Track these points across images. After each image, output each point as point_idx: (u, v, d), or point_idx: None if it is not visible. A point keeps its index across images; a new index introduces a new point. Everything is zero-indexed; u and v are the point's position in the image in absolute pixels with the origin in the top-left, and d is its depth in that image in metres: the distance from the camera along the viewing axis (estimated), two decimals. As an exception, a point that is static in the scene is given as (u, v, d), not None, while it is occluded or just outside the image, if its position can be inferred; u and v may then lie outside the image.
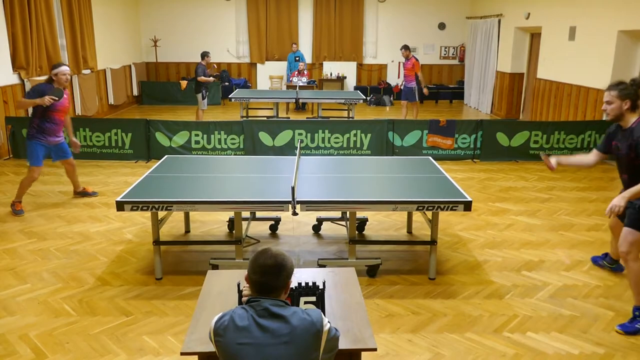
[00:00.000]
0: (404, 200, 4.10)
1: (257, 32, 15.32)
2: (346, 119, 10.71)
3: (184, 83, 13.95)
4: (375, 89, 15.31)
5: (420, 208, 4.09)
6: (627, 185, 3.76)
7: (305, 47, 15.49)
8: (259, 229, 5.49)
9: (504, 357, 3.41)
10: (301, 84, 12.82)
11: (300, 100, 11.07)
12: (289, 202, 4.01)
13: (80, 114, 10.73)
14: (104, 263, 4.70)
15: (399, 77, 11.10)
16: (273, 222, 5.47)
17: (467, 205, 4.08)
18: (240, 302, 2.44)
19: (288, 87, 13.31)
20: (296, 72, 13.33)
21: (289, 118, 11.57)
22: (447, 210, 4.08)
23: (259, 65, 15.60)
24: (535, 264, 4.77)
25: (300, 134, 8.43)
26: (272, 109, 11.71)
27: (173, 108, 13.74)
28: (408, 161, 5.49)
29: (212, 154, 8.31)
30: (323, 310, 2.46)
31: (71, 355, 3.37)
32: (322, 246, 5.13)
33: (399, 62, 15.43)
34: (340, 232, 5.43)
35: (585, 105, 9.33)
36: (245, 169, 5.07)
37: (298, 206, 4.00)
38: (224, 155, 8.32)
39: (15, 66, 8.71)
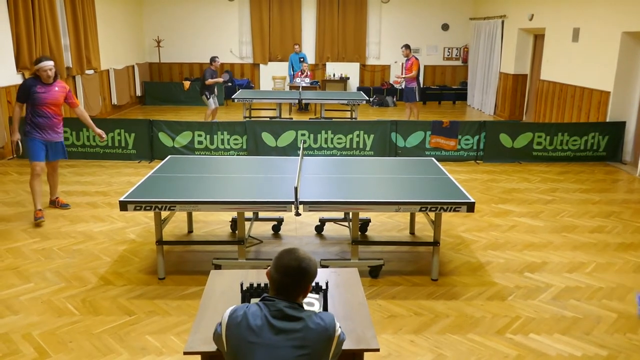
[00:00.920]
0: (407, 202, 4.10)
1: (260, 33, 15.34)
2: (349, 119, 10.71)
3: (187, 83, 13.99)
4: (378, 89, 15.31)
5: (423, 209, 4.09)
6: None
7: (309, 47, 15.50)
8: (262, 229, 5.49)
9: (507, 358, 3.40)
10: (304, 85, 12.82)
11: (303, 101, 11.09)
12: (291, 203, 4.01)
13: (83, 114, 10.75)
14: (107, 263, 4.71)
15: (401, 74, 11.06)
16: (276, 223, 5.47)
17: (470, 207, 4.08)
18: (243, 301, 2.44)
19: (291, 87, 13.32)
20: (299, 73, 13.33)
21: (291, 119, 11.58)
22: (450, 211, 4.07)
23: (261, 66, 15.61)
24: (538, 265, 4.76)
25: (303, 135, 8.43)
26: (275, 109, 11.72)
27: (176, 108, 13.76)
28: (411, 162, 5.49)
29: (215, 155, 8.32)
30: (326, 311, 2.46)
31: (74, 354, 3.37)
32: (324, 247, 5.13)
33: (402, 63, 15.44)
34: (342, 233, 5.43)
35: (588, 107, 9.31)
36: (248, 170, 5.07)
37: (301, 207, 4.01)
38: (227, 155, 8.32)
39: (19, 66, 8.74)
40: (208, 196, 4.16)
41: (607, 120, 8.74)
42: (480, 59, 14.05)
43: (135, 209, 4.04)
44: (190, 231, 5.45)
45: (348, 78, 15.38)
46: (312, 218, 5.65)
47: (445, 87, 15.60)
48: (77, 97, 10.62)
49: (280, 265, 2.07)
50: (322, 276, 2.94)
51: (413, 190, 4.46)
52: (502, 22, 12.83)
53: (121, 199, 4.06)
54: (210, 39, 15.30)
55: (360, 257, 4.53)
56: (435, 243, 4.38)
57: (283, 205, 4.04)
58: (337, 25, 15.42)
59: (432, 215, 4.59)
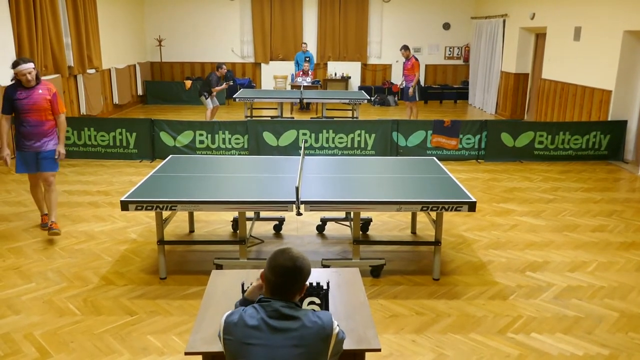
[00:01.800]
0: (408, 201, 4.10)
1: (262, 32, 15.33)
2: (350, 119, 10.70)
3: (188, 83, 13.99)
4: (379, 89, 15.30)
5: (424, 208, 4.09)
6: None
7: (310, 47, 15.46)
8: (263, 229, 5.49)
9: (508, 357, 3.40)
10: (305, 84, 12.82)
11: (305, 100, 11.08)
12: (293, 202, 4.01)
13: (85, 114, 10.77)
14: (109, 262, 4.71)
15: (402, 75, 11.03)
16: (277, 222, 5.47)
17: (472, 206, 4.08)
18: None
19: (292, 87, 13.31)
20: (300, 72, 13.33)
21: (293, 118, 11.58)
22: (451, 210, 4.07)
23: (263, 65, 15.61)
24: (539, 264, 4.76)
25: (304, 134, 8.43)
26: (276, 108, 11.72)
27: (177, 108, 13.76)
28: (412, 161, 5.48)
29: (217, 154, 8.32)
30: (327, 310, 2.46)
31: (75, 354, 3.38)
32: (326, 246, 5.13)
33: (404, 62, 15.41)
34: (344, 233, 5.42)
35: (590, 106, 9.29)
36: (250, 169, 5.07)
37: (302, 206, 4.00)
38: (228, 155, 8.32)
39: (21, 66, 8.74)
40: (209, 196, 4.16)
41: (609, 119, 8.72)
42: (481, 58, 14.04)
43: (136, 209, 4.05)
44: (191, 231, 5.46)
45: (349, 77, 15.37)
46: (313, 218, 5.65)
47: (446, 87, 15.58)
48: (78, 96, 10.65)
49: (275, 266, 2.07)
50: (324, 276, 2.94)
51: (414, 189, 4.46)
52: (504, 21, 12.81)
53: (122, 198, 4.06)
54: (212, 38, 15.30)
55: (361, 257, 4.53)
56: (437, 242, 4.38)
57: (284, 204, 4.04)
58: (338, 24, 15.41)
59: (433, 214, 4.59)
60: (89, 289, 4.23)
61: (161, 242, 4.35)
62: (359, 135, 8.48)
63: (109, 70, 12.23)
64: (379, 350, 2.34)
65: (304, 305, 2.45)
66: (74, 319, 3.79)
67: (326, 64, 15.63)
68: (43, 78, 5.33)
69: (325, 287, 2.51)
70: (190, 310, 3.90)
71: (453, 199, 4.12)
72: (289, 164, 5.13)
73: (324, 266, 4.41)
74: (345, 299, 2.72)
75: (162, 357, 3.36)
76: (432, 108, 14.38)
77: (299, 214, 4.01)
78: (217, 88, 10.23)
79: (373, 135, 8.47)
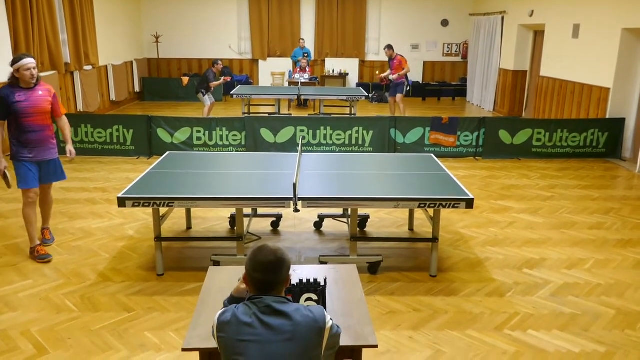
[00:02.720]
0: (406, 198, 4.10)
1: (259, 29, 15.30)
2: (348, 115, 10.69)
3: (185, 79, 13.96)
4: (377, 86, 15.28)
5: (422, 205, 4.09)
6: None
7: (308, 43, 15.43)
8: (261, 225, 5.49)
9: (505, 354, 3.40)
10: (303, 81, 12.80)
11: (302, 97, 11.06)
12: (290, 199, 4.01)
13: (81, 110, 10.74)
14: (106, 259, 4.71)
15: (388, 73, 10.87)
16: (275, 219, 5.47)
17: (469, 203, 4.08)
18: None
19: (290, 83, 13.30)
20: (298, 69, 13.32)
21: (290, 115, 11.56)
22: (449, 207, 4.07)
23: (260, 62, 15.58)
24: (536, 261, 4.76)
25: (302, 131, 8.42)
26: (274, 105, 11.70)
27: (175, 104, 13.74)
28: (410, 158, 5.48)
29: (214, 151, 8.31)
30: (324, 307, 2.46)
31: (73, 351, 3.37)
32: (323, 243, 5.13)
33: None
34: (341, 229, 5.42)
35: (588, 103, 9.30)
36: (247, 166, 5.06)
37: (300, 203, 4.00)
38: (226, 151, 8.31)
39: (18, 62, 8.70)
40: (207, 192, 4.16)
41: (607, 116, 8.73)
42: (480, 55, 14.03)
43: (133, 205, 4.04)
44: (189, 227, 5.45)
45: (347, 74, 15.35)
46: (311, 214, 5.65)
47: (444, 83, 15.58)
48: (75, 93, 10.62)
49: (256, 264, 2.09)
50: (321, 272, 2.94)
51: (412, 186, 4.46)
52: (502, 18, 12.80)
53: (120, 195, 4.05)
54: (209, 34, 15.27)
55: (359, 254, 4.53)
56: (434, 239, 4.38)
57: (282, 201, 4.04)
58: (336, 20, 15.38)
59: (431, 211, 4.59)
60: (86, 286, 4.22)
61: (158, 238, 4.35)
62: (357, 132, 8.47)
63: (106, 66, 12.20)
64: (376, 346, 2.34)
65: (301, 301, 2.45)
66: (71, 315, 3.78)
67: (324, 60, 15.62)
68: (40, 75, 4.97)
69: (322, 283, 2.51)
70: (188, 306, 3.90)
71: (451, 195, 4.12)
72: (287, 161, 5.12)
73: (322, 263, 4.42)
74: (343, 296, 2.72)
75: (160, 353, 3.36)
76: (430, 105, 14.38)
77: (296, 210, 4.00)
78: (215, 83, 10.21)
79: (371, 132, 8.46)
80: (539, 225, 5.63)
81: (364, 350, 2.41)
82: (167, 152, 5.47)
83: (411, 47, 15.65)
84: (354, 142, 8.51)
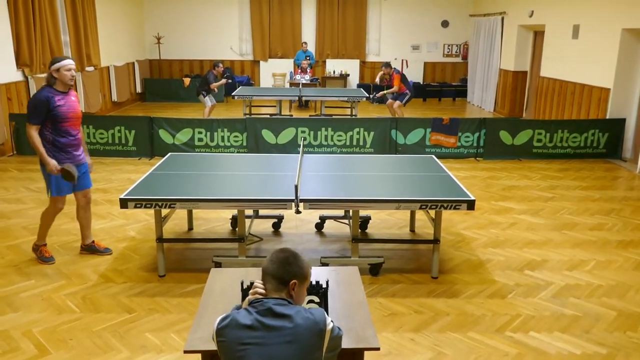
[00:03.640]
0: (407, 199, 4.10)
1: (261, 30, 15.30)
2: (349, 116, 10.69)
3: (187, 80, 13.97)
4: (378, 86, 15.26)
5: (423, 207, 4.09)
6: None
7: (309, 44, 15.45)
8: (262, 227, 5.49)
9: (507, 356, 3.41)
10: (304, 82, 12.81)
11: (304, 98, 11.06)
12: (292, 200, 4.01)
13: (83, 111, 10.71)
14: (107, 260, 4.71)
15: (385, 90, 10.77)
16: (276, 220, 5.47)
17: (470, 204, 4.08)
18: (243, 300, 2.44)
19: (291, 84, 13.30)
20: (299, 70, 13.33)
21: (292, 116, 11.57)
22: (450, 209, 4.07)
23: (262, 63, 15.59)
24: (538, 263, 4.76)
25: (303, 132, 8.43)
26: (275, 106, 11.71)
27: (176, 105, 13.75)
28: (411, 159, 5.48)
29: (215, 152, 8.31)
30: (326, 309, 2.46)
31: (74, 351, 3.38)
32: (324, 244, 5.13)
33: (402, 60, 15.40)
34: (343, 231, 5.43)
35: (588, 104, 9.29)
36: (248, 167, 5.07)
37: (301, 204, 4.01)
38: (227, 152, 8.32)
39: (19, 63, 8.72)
40: (208, 194, 4.16)
41: (607, 117, 8.73)
42: (480, 56, 14.03)
43: (135, 207, 4.04)
44: (190, 229, 5.45)
45: (348, 75, 15.35)
46: (312, 216, 5.65)
47: (445, 84, 15.58)
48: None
49: (272, 256, 2.20)
50: (322, 274, 2.94)
51: (413, 187, 4.46)
52: (502, 19, 12.81)
53: (122, 196, 4.06)
54: (211, 36, 15.28)
55: (360, 255, 4.53)
56: (436, 241, 4.39)
57: (283, 202, 4.04)
58: (337, 21, 15.39)
59: (432, 212, 4.60)
60: (87, 287, 4.22)
61: (160, 239, 4.35)
62: (358, 133, 8.47)
63: (108, 67, 12.21)
64: (378, 349, 2.34)
65: (303, 303, 2.45)
66: (73, 316, 3.79)
67: (325, 61, 15.62)
68: (42, 75, 4.84)
69: (324, 285, 2.51)
70: (189, 308, 3.91)
71: (452, 197, 4.12)
72: (288, 162, 5.13)
73: (323, 264, 4.42)
74: (344, 298, 2.72)
75: (161, 354, 3.37)
76: (431, 106, 14.38)
77: (297, 212, 4.01)
78: (216, 84, 10.25)
79: (372, 133, 8.47)
80: (540, 226, 5.63)
81: (365, 352, 2.41)
82: (169, 154, 5.48)
83: (412, 47, 15.66)
84: (355, 143, 8.51)
